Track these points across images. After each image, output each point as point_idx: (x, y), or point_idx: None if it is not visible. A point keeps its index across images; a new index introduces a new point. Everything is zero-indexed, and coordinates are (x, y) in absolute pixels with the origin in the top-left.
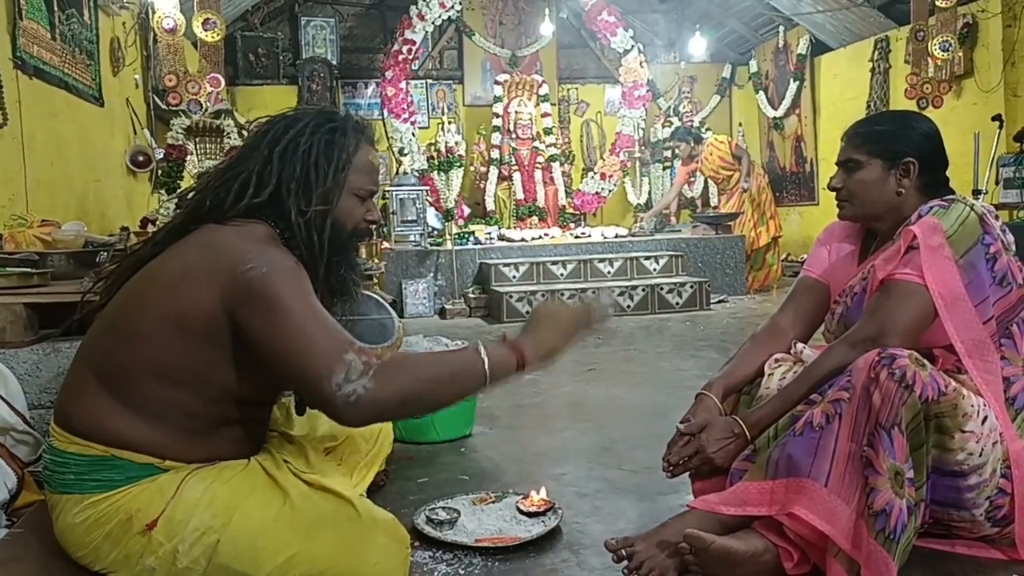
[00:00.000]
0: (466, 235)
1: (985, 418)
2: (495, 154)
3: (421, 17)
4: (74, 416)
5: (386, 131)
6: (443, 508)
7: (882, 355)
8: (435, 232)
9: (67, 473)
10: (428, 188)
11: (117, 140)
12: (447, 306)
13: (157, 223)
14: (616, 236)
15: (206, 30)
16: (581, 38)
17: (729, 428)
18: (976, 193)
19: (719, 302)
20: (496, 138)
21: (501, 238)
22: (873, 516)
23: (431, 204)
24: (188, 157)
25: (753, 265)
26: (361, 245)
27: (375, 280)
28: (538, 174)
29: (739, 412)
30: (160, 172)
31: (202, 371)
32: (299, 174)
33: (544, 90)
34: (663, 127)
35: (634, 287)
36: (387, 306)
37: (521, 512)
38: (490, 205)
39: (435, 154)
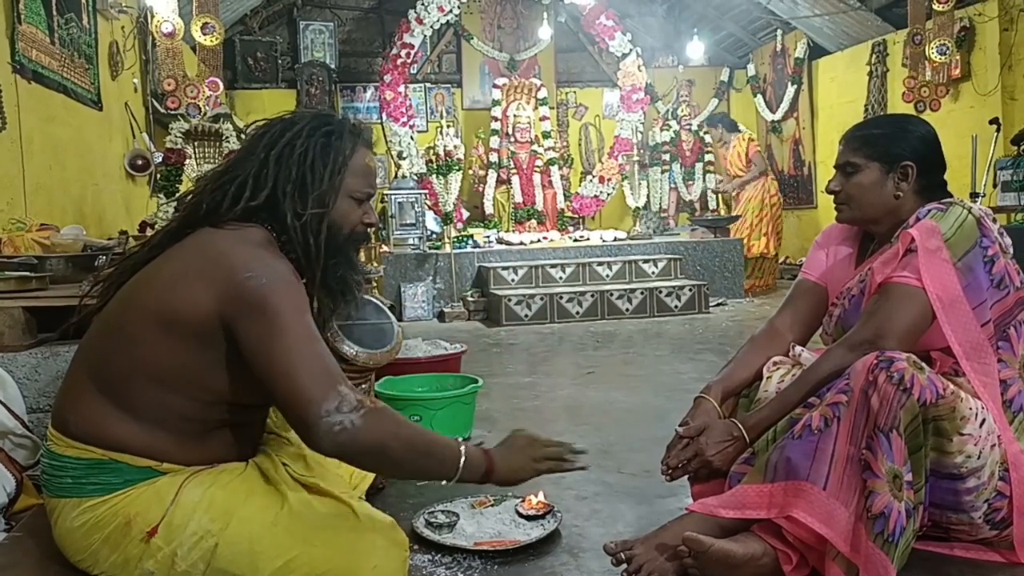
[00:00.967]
0: (465, 238)
1: (983, 421)
2: (494, 158)
3: (420, 21)
4: (71, 420)
5: (385, 135)
6: (442, 511)
7: (880, 358)
8: (434, 235)
9: (65, 477)
10: (427, 192)
11: (116, 144)
12: (446, 309)
13: (155, 227)
14: (615, 239)
15: (205, 34)
16: (579, 42)
17: (728, 431)
18: (974, 196)
19: (717, 305)
20: (495, 142)
21: (500, 241)
22: (872, 519)
23: (430, 208)
24: (187, 161)
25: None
26: (360, 247)
27: (374, 284)
28: (537, 177)
29: (738, 415)
30: (159, 176)
31: (197, 375)
32: (295, 177)
33: (543, 94)
34: (661, 130)
35: (632, 290)
36: (386, 311)
37: (520, 515)
38: (489, 208)
39: (434, 158)
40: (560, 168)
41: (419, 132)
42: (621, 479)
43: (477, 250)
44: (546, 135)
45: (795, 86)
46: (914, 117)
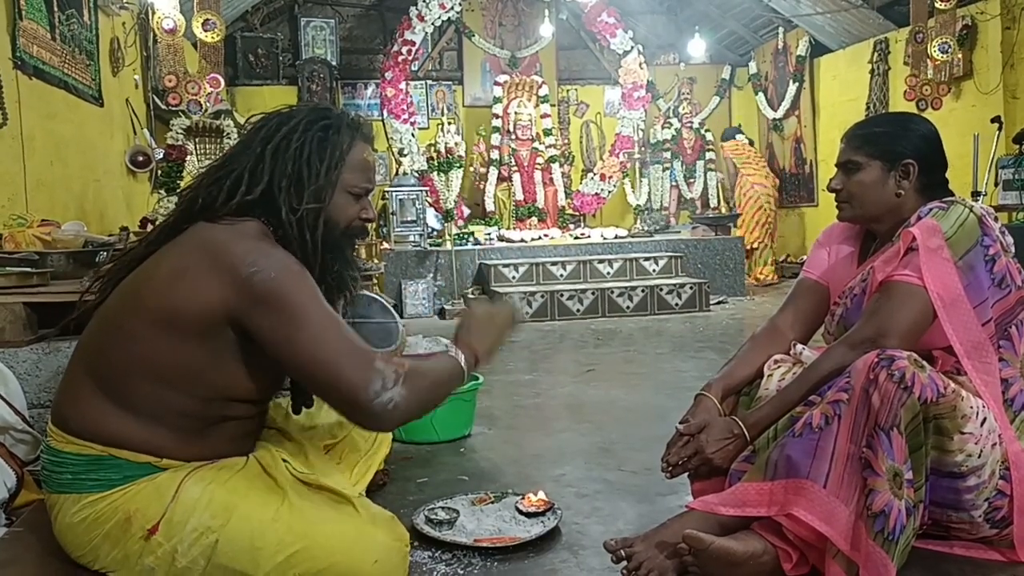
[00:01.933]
0: (466, 236)
1: (984, 420)
2: (495, 155)
3: (421, 18)
4: (71, 416)
5: (386, 132)
6: (442, 508)
7: (881, 356)
8: (435, 233)
9: (65, 473)
10: (428, 189)
11: (117, 140)
12: (447, 307)
13: (156, 223)
14: (616, 237)
15: (206, 31)
16: (581, 39)
17: (728, 429)
18: (975, 195)
19: (718, 303)
20: (496, 139)
21: (501, 239)
22: (872, 517)
23: (431, 205)
24: (188, 157)
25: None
26: (357, 242)
27: (375, 281)
28: (538, 175)
29: (738, 413)
30: (160, 172)
31: (195, 370)
32: (291, 172)
33: (544, 91)
34: (662, 128)
35: (633, 288)
36: (391, 310)
37: (520, 512)
38: (490, 206)
39: (435, 155)
40: (561, 165)
41: (420, 129)
42: (622, 477)
43: (478, 247)
44: (547, 132)
45: (797, 84)
46: (916, 115)
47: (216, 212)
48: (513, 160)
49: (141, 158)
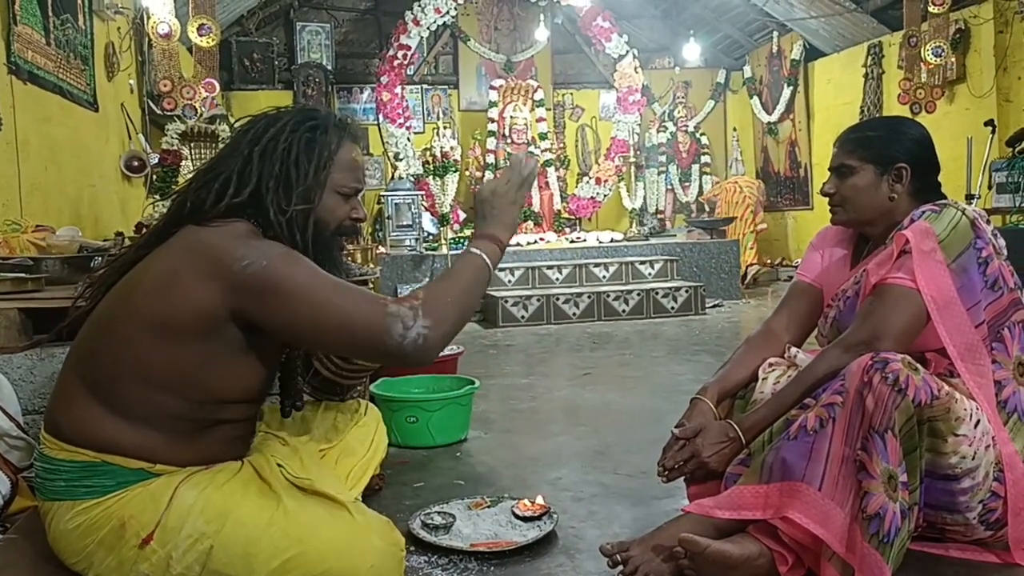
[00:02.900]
0: (461, 240)
1: (978, 422)
2: (490, 159)
3: (416, 22)
4: (63, 423)
5: (381, 136)
6: (439, 513)
7: (875, 359)
8: (430, 237)
9: (58, 480)
10: (423, 193)
11: (112, 145)
12: None
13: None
14: (611, 241)
15: (201, 35)
16: (576, 43)
17: (724, 432)
18: (969, 198)
19: (714, 307)
20: (491, 143)
21: None
22: (867, 520)
23: (426, 209)
24: (183, 162)
25: None
26: (347, 242)
27: (371, 285)
28: None
29: (734, 416)
30: (155, 177)
31: (188, 373)
32: (279, 173)
33: (539, 95)
34: (658, 132)
35: (629, 291)
36: None
37: (516, 516)
38: None
39: (430, 159)
40: (557, 169)
41: (416, 133)
42: (617, 480)
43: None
44: (543, 136)
45: (791, 88)
46: (908, 119)
47: (205, 215)
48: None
49: (136, 163)
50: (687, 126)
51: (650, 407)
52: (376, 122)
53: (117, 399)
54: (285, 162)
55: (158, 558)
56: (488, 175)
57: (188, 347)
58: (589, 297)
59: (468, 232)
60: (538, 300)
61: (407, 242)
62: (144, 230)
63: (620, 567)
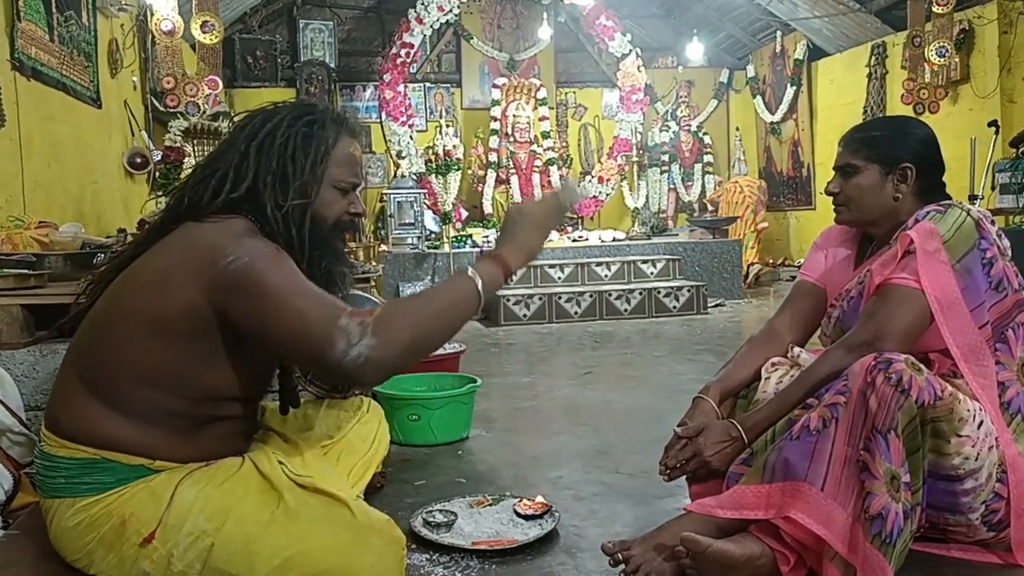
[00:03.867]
0: (463, 238)
1: (981, 423)
2: (493, 157)
3: (419, 20)
4: (63, 419)
5: (384, 134)
6: (440, 511)
7: (878, 359)
8: (432, 235)
9: (58, 477)
10: (426, 191)
11: (115, 142)
12: None
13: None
14: (613, 240)
15: (204, 32)
16: (579, 42)
17: (726, 431)
18: (973, 198)
19: (716, 306)
20: (494, 141)
21: None
22: (869, 520)
23: (429, 207)
24: (186, 159)
25: None
26: (347, 237)
27: (373, 283)
28: (536, 178)
29: (736, 416)
30: (158, 174)
31: (184, 370)
32: (276, 168)
33: (542, 94)
34: (660, 131)
35: (631, 291)
36: None
37: (518, 515)
38: (487, 208)
39: (433, 157)
40: (559, 168)
41: (418, 132)
42: (619, 479)
43: (476, 250)
44: (545, 135)
45: (794, 87)
46: (913, 119)
47: (203, 211)
48: (511, 163)
49: (139, 160)
50: (690, 126)
51: (651, 406)
52: (379, 120)
53: (116, 396)
54: (282, 157)
55: (159, 556)
56: (490, 173)
57: (182, 345)
58: (591, 296)
59: (470, 230)
60: (540, 299)
61: (409, 240)
62: (147, 227)
63: (621, 566)
